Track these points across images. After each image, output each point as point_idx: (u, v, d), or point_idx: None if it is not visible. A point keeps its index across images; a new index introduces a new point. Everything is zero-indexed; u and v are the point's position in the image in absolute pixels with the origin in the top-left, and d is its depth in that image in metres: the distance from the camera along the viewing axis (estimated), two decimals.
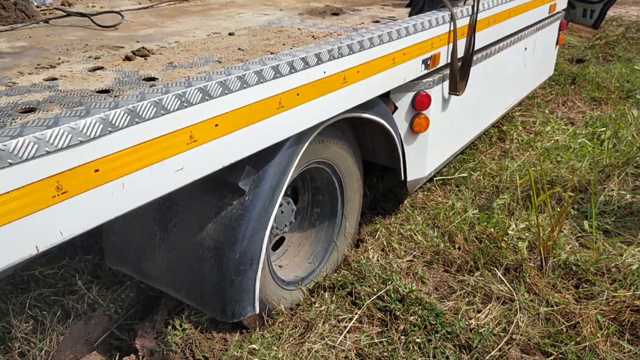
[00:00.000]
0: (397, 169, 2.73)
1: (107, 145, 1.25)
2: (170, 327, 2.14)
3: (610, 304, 2.35)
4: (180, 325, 2.13)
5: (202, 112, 1.47)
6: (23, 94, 1.60)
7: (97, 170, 1.24)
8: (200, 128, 1.47)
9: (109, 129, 1.24)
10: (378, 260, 2.59)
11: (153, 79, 1.78)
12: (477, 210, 3.01)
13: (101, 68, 1.91)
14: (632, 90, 5.03)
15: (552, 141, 3.99)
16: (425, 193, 3.25)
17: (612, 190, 3.35)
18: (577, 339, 2.17)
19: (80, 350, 2.08)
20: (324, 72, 1.90)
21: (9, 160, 1.08)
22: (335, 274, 2.53)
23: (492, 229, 2.76)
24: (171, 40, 2.33)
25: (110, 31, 2.51)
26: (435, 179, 3.34)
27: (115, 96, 1.58)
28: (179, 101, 1.40)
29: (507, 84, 3.71)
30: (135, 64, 1.96)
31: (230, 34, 2.50)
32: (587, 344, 2.14)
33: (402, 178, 2.75)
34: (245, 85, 1.59)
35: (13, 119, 1.32)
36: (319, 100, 1.92)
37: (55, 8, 2.89)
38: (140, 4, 3.25)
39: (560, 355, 2.13)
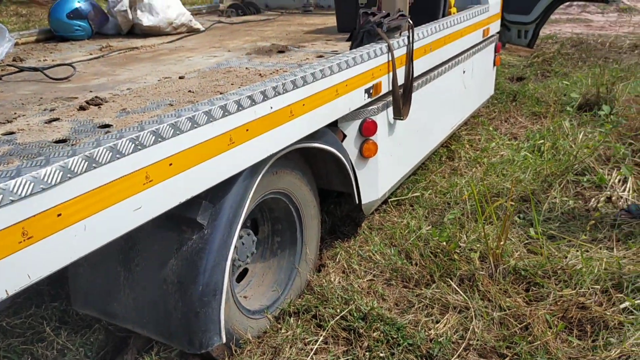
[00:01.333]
0: (351, 193, 2.86)
1: (67, 190, 1.34)
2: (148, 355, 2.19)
3: (558, 303, 2.51)
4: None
5: (156, 153, 1.57)
6: None
7: (59, 215, 1.32)
8: (155, 168, 1.57)
9: (68, 175, 1.33)
10: (339, 283, 2.70)
11: (108, 125, 1.88)
12: (430, 227, 3.16)
13: (57, 119, 1.99)
14: (568, 103, 5.33)
15: (498, 156, 4.21)
16: (382, 214, 3.39)
17: (555, 197, 3.56)
18: (529, 339, 2.31)
19: None
20: (271, 108, 2.03)
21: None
22: (300, 299, 2.62)
23: (445, 243, 2.90)
24: (123, 88, 2.43)
25: (64, 83, 2.59)
26: (389, 200, 3.49)
27: (72, 145, 1.68)
28: (133, 144, 1.50)
29: (450, 105, 3.92)
30: (89, 113, 2.05)
31: (180, 78, 2.61)
32: (539, 342, 2.28)
33: (357, 202, 2.88)
34: (195, 125, 1.70)
35: None
36: (268, 134, 2.04)
37: (7, 65, 2.96)
38: (91, 54, 3.34)
39: (515, 356, 2.26)
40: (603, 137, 4.21)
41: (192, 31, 4.16)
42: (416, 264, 2.84)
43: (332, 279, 2.72)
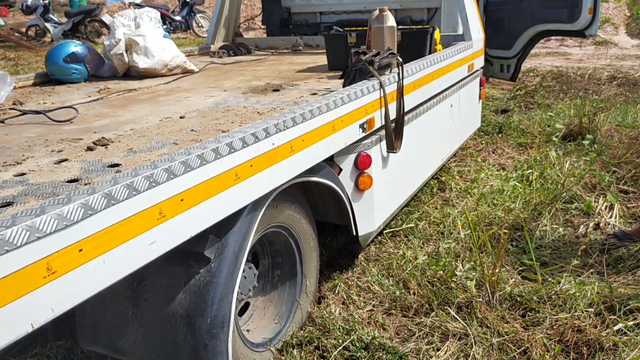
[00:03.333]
0: (348, 225, 2.94)
1: (88, 226, 1.40)
2: None
3: (554, 327, 2.57)
4: None
5: (169, 190, 1.64)
6: None
7: (80, 250, 1.38)
8: (168, 204, 1.64)
9: (89, 212, 1.39)
10: (340, 313, 2.74)
11: (117, 165, 1.95)
12: (426, 257, 3.23)
13: (66, 160, 2.06)
14: (553, 134, 5.49)
15: (487, 186, 4.31)
16: (377, 246, 3.46)
17: (545, 225, 3.65)
18: None
19: None
20: (273, 144, 2.11)
21: (5, 248, 1.21)
22: (301, 331, 2.66)
23: (441, 271, 2.97)
24: (127, 128, 2.51)
25: (67, 125, 2.67)
26: (385, 231, 3.56)
27: (85, 184, 1.74)
28: (148, 182, 1.57)
29: (440, 138, 4.04)
30: (97, 153, 2.12)
31: (181, 117, 2.70)
32: None
33: (354, 233, 2.95)
34: (204, 162, 1.78)
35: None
36: (270, 169, 2.12)
37: (9, 108, 3.03)
38: (89, 96, 3.42)
39: None
40: (588, 165, 4.34)
41: (187, 72, 4.27)
42: (414, 293, 2.89)
43: (332, 310, 2.77)
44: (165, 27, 14.36)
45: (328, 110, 2.48)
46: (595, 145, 4.94)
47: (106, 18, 14.34)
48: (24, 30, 14.25)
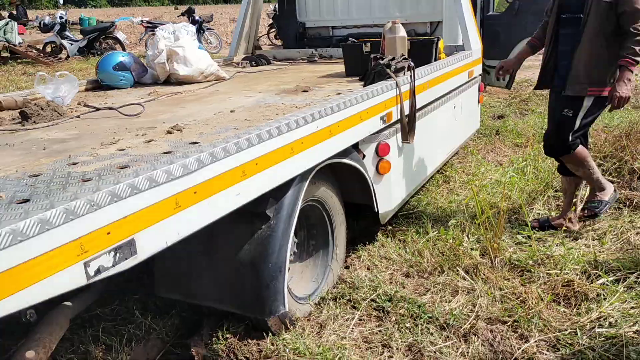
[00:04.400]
0: (370, 204, 3.45)
1: (199, 176, 1.91)
2: (214, 338, 2.70)
3: (547, 283, 3.08)
4: (223, 336, 2.69)
5: (248, 155, 2.16)
6: (109, 159, 2.24)
7: (195, 192, 1.90)
8: (247, 166, 2.16)
9: (200, 165, 1.91)
10: (366, 276, 3.25)
11: (196, 142, 2.46)
12: (436, 232, 3.74)
13: (152, 140, 2.57)
14: None
15: (487, 179, 4.83)
16: (393, 225, 3.96)
17: (539, 210, 4.17)
18: (526, 309, 2.86)
19: None
20: (317, 127, 2.64)
21: (153, 184, 1.73)
22: (335, 289, 3.16)
23: (451, 240, 3.48)
24: (189, 120, 3.02)
25: (136, 118, 3.18)
26: (399, 213, 4.07)
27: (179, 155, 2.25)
28: (235, 147, 2.09)
29: (445, 134, 4.58)
30: (176, 136, 2.63)
31: (231, 112, 3.21)
32: (533, 311, 2.83)
33: (376, 210, 3.46)
34: (271, 136, 2.30)
35: (118, 173, 1.97)
36: (315, 147, 2.64)
37: (84, 105, 3.55)
38: (142, 98, 3.94)
39: (515, 322, 2.80)
40: None
41: (219, 79, 4.80)
42: (427, 260, 3.40)
43: (359, 274, 3.27)
44: None
45: (357, 102, 3.01)
46: None
47: (120, 35, 15.01)
48: (40, 47, 14.85)
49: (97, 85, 4.60)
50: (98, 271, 1.56)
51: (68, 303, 2.47)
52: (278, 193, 2.56)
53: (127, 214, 1.64)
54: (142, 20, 15.51)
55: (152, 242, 1.74)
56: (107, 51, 14.96)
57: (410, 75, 3.65)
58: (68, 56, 14.75)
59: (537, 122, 6.69)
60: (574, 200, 3.97)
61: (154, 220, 1.75)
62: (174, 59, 4.60)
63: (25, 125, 3.13)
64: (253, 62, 5.93)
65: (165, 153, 2.28)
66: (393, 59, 3.65)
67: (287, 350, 2.55)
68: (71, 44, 14.65)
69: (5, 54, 14.86)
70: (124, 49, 15.15)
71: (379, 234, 3.84)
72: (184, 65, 4.60)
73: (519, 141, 5.96)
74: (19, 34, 14.48)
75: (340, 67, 5.12)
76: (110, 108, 3.35)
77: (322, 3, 6.38)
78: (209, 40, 16.35)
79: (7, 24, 14.34)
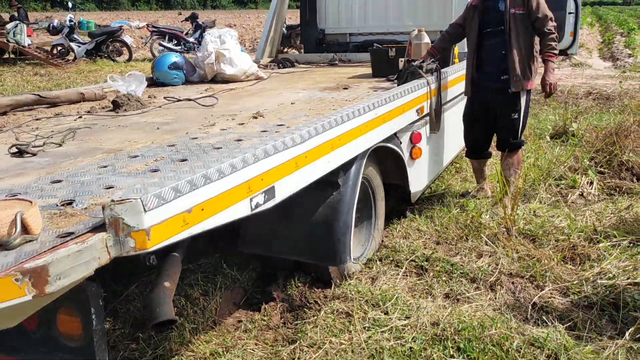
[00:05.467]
0: (404, 184, 4.06)
1: (307, 145, 2.51)
2: (289, 286, 3.29)
3: (556, 247, 3.72)
4: (295, 285, 3.28)
5: (334, 133, 2.77)
6: (220, 135, 2.83)
7: (306, 157, 2.50)
8: (334, 141, 2.76)
9: (302, 139, 2.51)
10: (404, 242, 3.86)
11: (282, 125, 3.06)
12: (458, 209, 4.37)
13: (244, 124, 3.16)
14: (542, 133, 6.72)
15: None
16: (419, 205, 4.59)
17: (542, 195, 4.82)
18: (540, 266, 3.49)
19: (231, 307, 3.19)
20: (375, 114, 3.25)
21: (283, 148, 2.32)
22: (378, 253, 3.76)
23: (474, 213, 4.11)
24: (260, 109, 3.61)
25: (213, 108, 3.76)
26: (423, 196, 4.70)
27: (275, 132, 2.85)
28: (323, 128, 2.69)
29: (459, 130, 5.22)
30: (260, 120, 3.22)
31: (292, 103, 3.82)
32: (546, 267, 3.47)
33: (408, 190, 4.07)
34: (346, 120, 2.90)
35: (238, 143, 2.56)
36: (373, 131, 3.25)
37: (164, 97, 4.13)
38: (201, 93, 4.52)
39: (531, 276, 3.43)
40: (572, 148, 5.55)
41: (258, 79, 5.39)
42: (453, 231, 4.02)
43: (397, 241, 3.89)
44: (179, 47, 15.55)
45: (402, 96, 3.63)
46: (575, 138, 6.17)
47: (127, 38, 15.51)
48: (48, 49, 15.29)
49: (152, 83, 5.16)
50: (256, 206, 2.15)
51: (175, 253, 3.04)
52: (346, 166, 3.16)
53: (269, 168, 2.24)
54: (147, 25, 16.02)
55: (283, 190, 2.34)
56: (114, 54, 15.48)
57: (437, 76, 4.29)
58: (75, 58, 15.21)
59: (533, 122, 7.37)
60: (484, 174, 4.87)
61: (283, 174, 2.34)
62: (221, 60, 5.19)
63: (118, 113, 3.70)
64: (280, 65, 6.53)
65: (262, 132, 2.89)
66: (423, 61, 4.28)
67: (352, 292, 3.16)
68: (79, 47, 15.13)
69: (10, 55, 15.30)
70: (130, 52, 15.67)
71: (407, 212, 4.46)
72: (230, 65, 5.19)
73: None
74: (27, 36, 14.91)
75: (360, 70, 5.76)
76: (189, 99, 3.93)
77: (341, 12, 7.02)
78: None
79: (16, 26, 14.78)
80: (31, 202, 1.61)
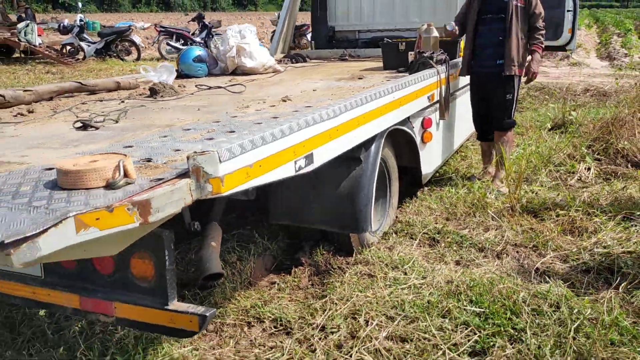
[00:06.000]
0: (416, 166, 4.40)
1: (338, 120, 2.85)
2: (314, 254, 3.63)
3: (556, 221, 4.06)
4: (320, 252, 3.62)
5: (359, 111, 3.11)
6: (256, 115, 3.17)
7: (337, 130, 2.84)
8: (359, 118, 3.10)
9: (335, 114, 2.85)
10: (416, 218, 4.20)
11: (310, 106, 3.40)
12: (465, 190, 4.72)
13: (274, 105, 3.50)
14: (542, 125, 7.07)
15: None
16: (428, 188, 4.93)
17: (543, 179, 5.17)
18: (542, 237, 3.84)
19: (263, 272, 3.53)
20: (394, 97, 3.60)
21: (331, 117, 2.66)
22: (394, 227, 4.11)
23: (477, 192, 4.46)
24: (284, 95, 3.94)
25: (242, 95, 4.10)
26: (432, 179, 5.04)
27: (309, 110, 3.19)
28: (351, 106, 3.03)
29: (466, 117, 5.57)
30: (289, 103, 3.54)
31: (313, 90, 4.15)
32: (548, 238, 3.81)
33: (420, 171, 4.42)
34: (365, 102, 3.24)
35: (274, 120, 2.90)
36: (391, 113, 3.59)
37: (195, 85, 4.47)
38: (226, 84, 4.85)
39: (534, 246, 3.78)
40: (571, 136, 5.91)
41: (276, 71, 5.73)
42: (461, 209, 4.37)
43: (410, 217, 4.23)
44: (186, 47, 15.86)
45: (416, 82, 3.98)
46: (574, 127, 6.54)
47: (136, 38, 15.85)
48: (58, 48, 15.63)
49: (177, 75, 5.49)
50: (299, 168, 2.50)
51: (215, 222, 3.39)
52: (367, 144, 3.50)
53: (309, 137, 2.58)
54: (155, 25, 16.37)
55: (319, 157, 2.69)
56: (123, 53, 15.81)
57: (446, 66, 4.64)
58: (85, 57, 15.55)
59: (533, 116, 7.73)
60: (492, 158, 5.24)
61: (320, 143, 2.68)
62: (241, 53, 5.53)
63: (156, 98, 4.04)
64: (293, 60, 6.88)
65: (294, 111, 3.22)
66: (433, 53, 4.63)
67: (372, 257, 3.50)
68: (88, 46, 15.48)
69: (21, 55, 15.63)
70: (139, 52, 16.01)
71: (418, 193, 4.80)
72: (250, 59, 5.53)
73: (520, 131, 6.99)
74: (38, 35, 15.25)
75: (370, 64, 6.09)
76: (219, 87, 4.27)
77: (350, 10, 7.37)
78: (217, 45, 17.21)
79: (27, 25, 15.13)
80: (125, 155, 1.95)
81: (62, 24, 15.77)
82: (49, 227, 1.57)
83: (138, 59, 15.83)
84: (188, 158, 1.93)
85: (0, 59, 15.09)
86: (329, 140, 2.78)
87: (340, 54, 7.15)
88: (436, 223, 4.14)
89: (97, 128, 2.90)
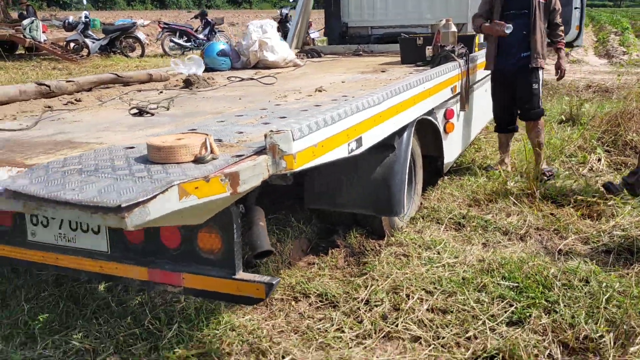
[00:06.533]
0: (440, 155, 4.59)
1: (381, 107, 3.03)
2: (348, 237, 3.81)
3: (574, 206, 4.27)
4: (353, 236, 3.81)
5: (396, 100, 3.29)
6: (298, 103, 3.35)
7: (380, 116, 3.02)
8: (397, 106, 3.28)
9: (373, 102, 3.03)
10: (441, 204, 4.39)
11: (345, 96, 3.57)
12: (485, 178, 4.91)
13: (312, 95, 3.67)
14: (551, 119, 7.28)
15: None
16: (448, 177, 5.12)
17: (557, 168, 5.37)
18: (562, 221, 4.04)
19: (300, 253, 3.71)
20: (424, 88, 3.78)
21: (375, 104, 2.84)
22: (419, 213, 4.29)
23: (498, 179, 4.66)
24: (315, 87, 4.10)
25: (273, 86, 4.27)
26: (451, 169, 5.23)
27: (345, 100, 3.36)
28: (392, 94, 3.21)
29: (483, 109, 5.76)
30: (324, 93, 3.73)
31: (342, 82, 4.33)
32: (568, 222, 4.01)
33: (443, 160, 4.60)
34: (402, 91, 3.42)
35: (318, 107, 3.08)
36: (421, 102, 3.77)
37: (227, 77, 4.64)
38: (251, 76, 5.02)
39: (555, 229, 3.97)
40: (582, 129, 6.12)
41: (296, 65, 5.91)
42: (483, 195, 4.56)
43: (435, 203, 4.42)
44: (189, 44, 16.01)
45: (442, 74, 4.16)
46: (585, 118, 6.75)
47: (140, 35, 15.97)
48: (62, 44, 15.73)
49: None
50: (351, 150, 2.68)
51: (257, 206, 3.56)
52: (400, 131, 3.68)
53: (359, 121, 2.76)
54: (158, 22, 16.51)
55: (366, 140, 2.87)
56: (127, 50, 15.93)
57: (466, 60, 4.83)
58: (89, 53, 15.65)
59: None
60: (509, 149, 5.49)
61: (367, 128, 2.86)
62: (263, 47, 5.69)
63: (192, 89, 4.21)
64: (308, 55, 7.05)
65: (333, 100, 3.41)
66: (454, 47, 4.82)
67: (405, 239, 3.69)
68: (93, 43, 15.58)
69: (25, 52, 15.72)
70: (143, 48, 16.13)
71: (439, 182, 4.99)
72: (272, 53, 5.70)
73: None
74: (43, 32, 15.33)
75: (386, 59, 6.28)
76: (252, 79, 4.44)
77: (363, 6, 7.55)
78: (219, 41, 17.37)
79: (32, 22, 15.21)
80: (207, 134, 2.12)
81: (67, 21, 15.87)
82: (158, 194, 1.75)
83: (142, 55, 15.95)
84: (265, 136, 2.11)
85: (5, 55, 15.14)
86: (374, 126, 2.96)
87: (355, 49, 7.33)
88: (460, 209, 4.33)
89: (152, 114, 3.07)
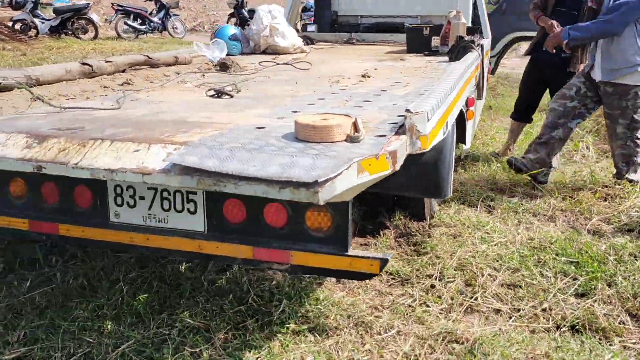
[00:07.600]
0: (462, 141, 4.78)
1: (456, 90, 3.17)
2: (392, 219, 3.95)
3: (590, 190, 4.58)
4: (398, 218, 3.94)
5: (461, 85, 3.44)
6: (357, 89, 3.43)
7: (455, 100, 3.16)
8: (460, 91, 3.43)
9: (455, 85, 3.17)
10: (462, 188, 4.60)
11: (399, 82, 3.69)
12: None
13: (361, 81, 3.75)
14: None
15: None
16: (462, 162, 5.35)
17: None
18: (583, 204, 4.33)
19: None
20: (469, 75, 3.95)
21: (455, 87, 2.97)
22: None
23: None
24: (351, 73, 4.18)
25: (308, 72, 4.32)
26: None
27: (405, 85, 3.48)
28: (459, 81, 3.36)
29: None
30: (372, 80, 3.82)
31: (375, 69, 4.43)
32: (585, 205, 4.31)
33: (464, 145, 4.81)
34: (462, 78, 3.58)
35: (385, 92, 3.18)
36: (467, 88, 3.95)
37: (259, 62, 4.62)
38: (277, 63, 5.00)
39: (579, 211, 4.26)
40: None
41: (303, 52, 5.94)
42: (502, 181, 4.81)
43: (458, 187, 4.62)
44: (144, 27, 15.55)
45: (473, 64, 4.35)
46: None
47: (93, 16, 15.33)
48: (9, 24, 14.86)
49: None
50: (444, 133, 2.81)
51: None
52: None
53: (448, 105, 2.89)
54: (112, 3, 15.90)
55: (449, 124, 3.00)
56: (80, 32, 15.26)
57: (481, 50, 5.05)
58: (38, 34, 14.89)
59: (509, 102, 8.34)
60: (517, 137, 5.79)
61: (450, 112, 3.00)
62: (274, 33, 5.70)
63: (230, 73, 4.19)
64: (304, 42, 7.07)
65: (390, 86, 3.51)
66: (472, 38, 5.02)
67: (452, 220, 3.86)
68: (42, 23, 14.82)
69: None
70: (97, 31, 15.51)
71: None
72: (282, 38, 5.71)
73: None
74: None
75: (386, 48, 6.43)
76: (286, 63, 4.47)
77: None
78: (174, 26, 16.98)
79: None
80: (349, 115, 2.18)
81: None
82: (343, 170, 1.81)
83: (95, 37, 15.31)
84: (405, 117, 2.20)
85: None
86: (452, 110, 3.09)
87: (347, 38, 7.42)
88: (486, 192, 4.56)
89: (231, 96, 3.07)
